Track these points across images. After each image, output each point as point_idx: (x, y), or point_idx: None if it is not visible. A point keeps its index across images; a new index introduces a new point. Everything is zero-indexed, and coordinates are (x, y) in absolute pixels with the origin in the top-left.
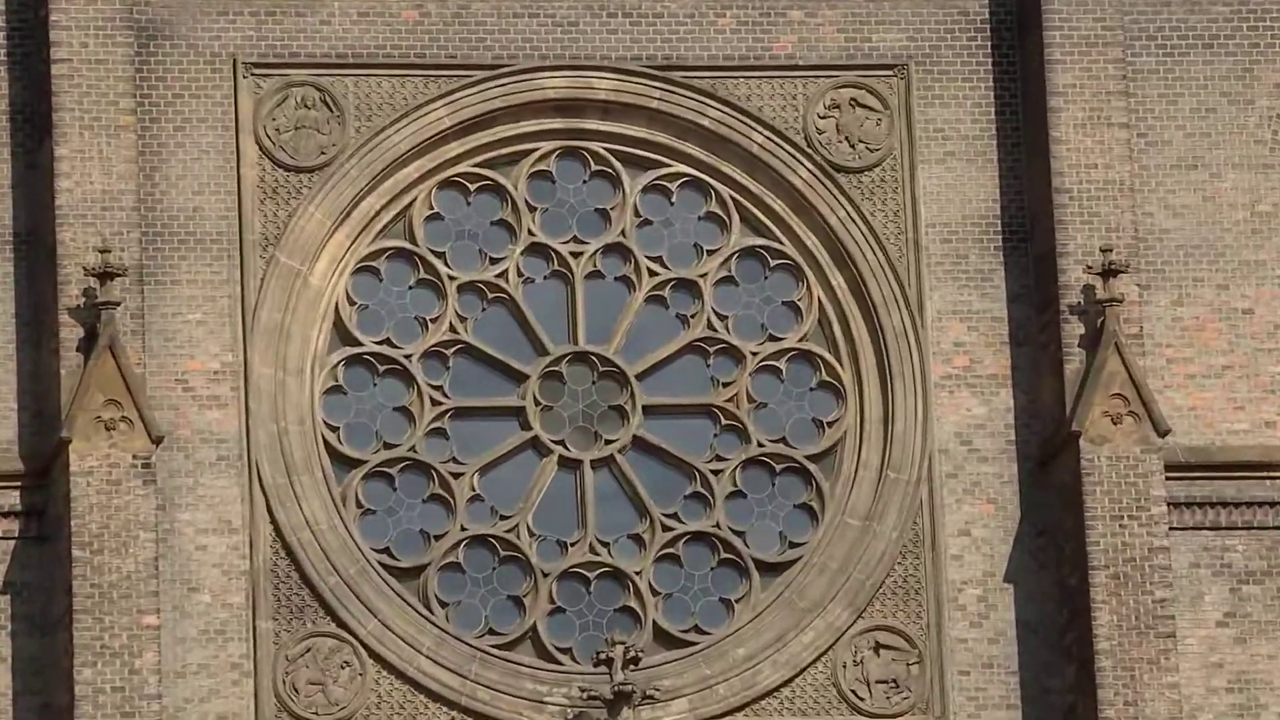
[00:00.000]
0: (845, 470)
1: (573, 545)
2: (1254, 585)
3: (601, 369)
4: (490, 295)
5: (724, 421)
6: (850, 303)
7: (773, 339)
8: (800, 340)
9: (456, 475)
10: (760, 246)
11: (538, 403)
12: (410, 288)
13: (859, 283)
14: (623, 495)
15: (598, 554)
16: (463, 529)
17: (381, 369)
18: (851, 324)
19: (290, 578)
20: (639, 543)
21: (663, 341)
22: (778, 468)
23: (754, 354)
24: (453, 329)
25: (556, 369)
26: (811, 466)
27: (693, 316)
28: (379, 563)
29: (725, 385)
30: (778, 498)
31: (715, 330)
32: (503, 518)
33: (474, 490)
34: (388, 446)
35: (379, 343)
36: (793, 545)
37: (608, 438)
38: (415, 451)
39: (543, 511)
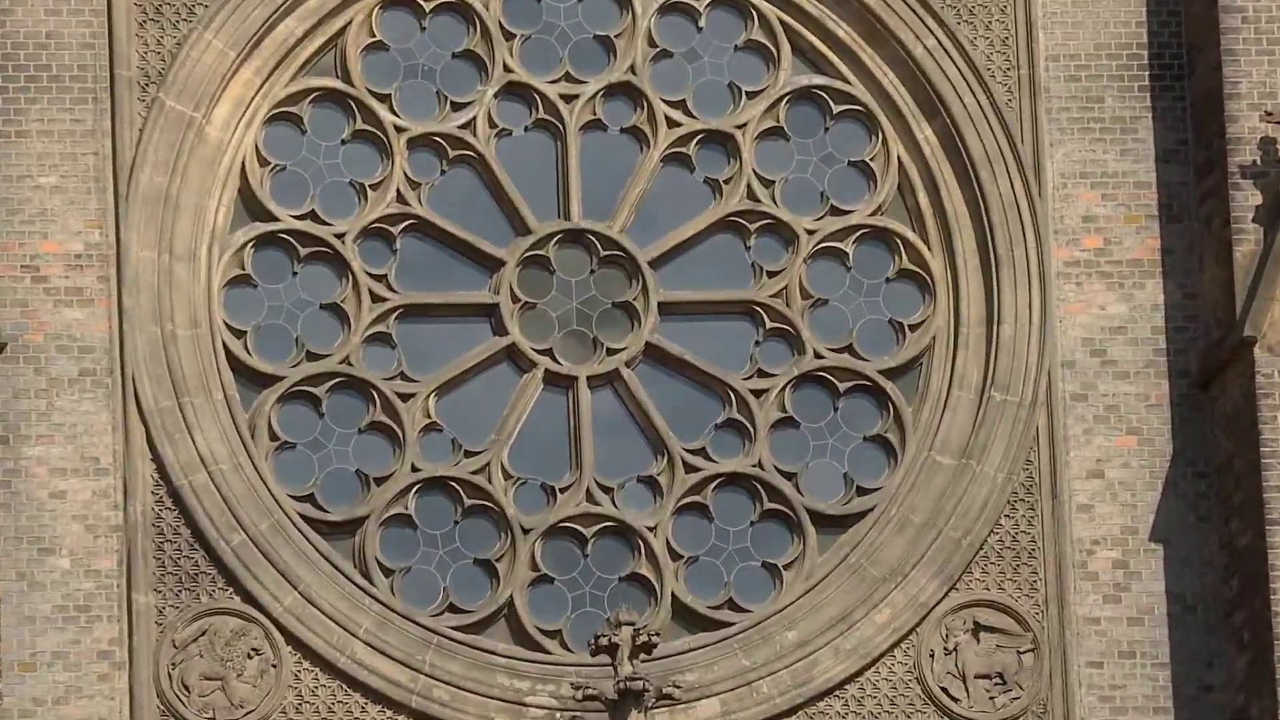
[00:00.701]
0: (934, 390)
1: (563, 492)
2: None
3: (603, 253)
4: (452, 153)
5: (769, 324)
6: (942, 163)
7: (836, 212)
8: (873, 214)
9: (406, 397)
10: (819, 87)
11: (516, 299)
12: (344, 143)
13: (954, 136)
14: (631, 425)
15: (597, 503)
16: (414, 469)
17: (304, 252)
18: (943, 191)
19: (179, 535)
20: (653, 488)
21: (686, 216)
22: (842, 387)
23: (810, 233)
24: (401, 199)
25: (541, 253)
26: (888, 385)
27: (727, 182)
28: (300, 515)
29: (771, 275)
30: (841, 428)
31: (758, 201)
32: (468, 454)
33: (429, 418)
34: (312, 358)
35: (301, 217)
36: (862, 492)
37: (611, 346)
38: (350, 365)
39: (523, 447)
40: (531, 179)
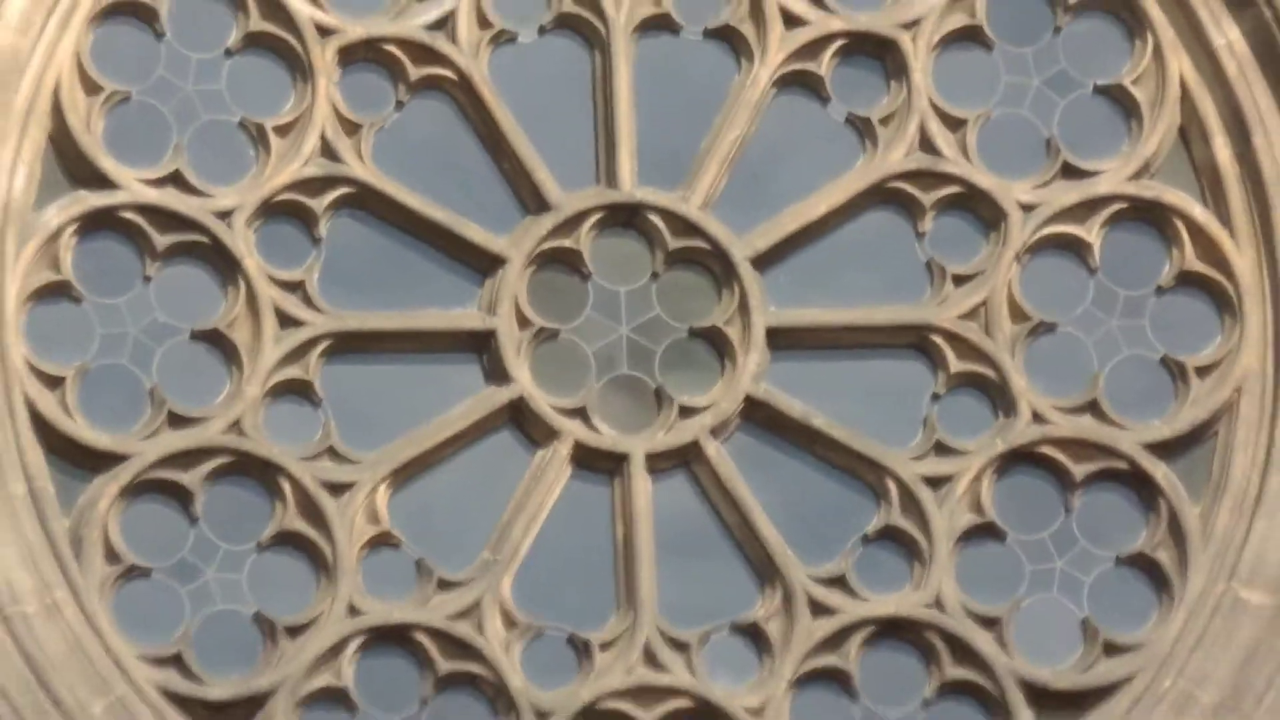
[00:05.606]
0: (1237, 480)
1: (605, 650)
2: None
3: (673, 245)
4: (415, 73)
5: (956, 365)
6: (1254, 85)
7: (1071, 174)
8: (1136, 177)
9: (339, 489)
10: None
11: (525, 323)
12: (229, 54)
13: (1275, 42)
14: (720, 536)
15: (662, 669)
16: (352, 612)
17: (163, 243)
18: (1257, 137)
19: None
20: (757, 644)
21: (815, 182)
22: (1079, 473)
23: (1028, 209)
24: (328, 151)
25: (568, 245)
26: (1159, 471)
27: (885, 123)
28: (160, 689)
29: (960, 282)
30: (1078, 541)
31: (937, 154)
32: (445, 587)
33: (378, 524)
34: (179, 424)
35: (157, 182)
36: (1112, 651)
37: (687, 404)
38: (243, 435)
39: (538, 573)
40: (552, 118)
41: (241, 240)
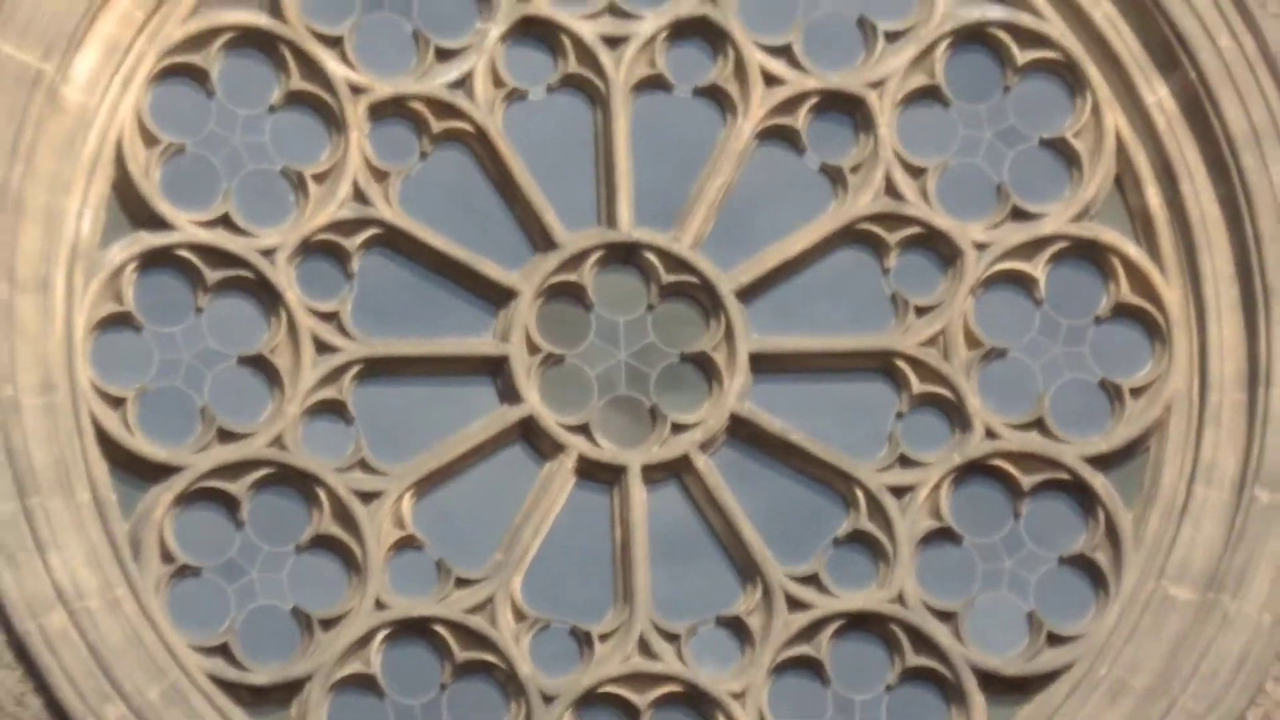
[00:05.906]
0: (1167, 488)
1: (604, 640)
2: None
3: (666, 279)
4: (438, 126)
5: (918, 387)
6: (1182, 140)
7: (1020, 217)
8: (1077, 219)
9: (368, 497)
10: (996, 24)
11: (535, 349)
12: (273, 110)
13: (1202, 98)
14: (707, 539)
15: (655, 657)
16: (379, 607)
17: (214, 278)
18: (1184, 184)
19: (23, 708)
20: (740, 635)
21: (792, 223)
22: (1026, 483)
23: (981, 248)
24: (360, 196)
25: (573, 279)
26: (1097, 480)
27: (855, 171)
28: (209, 675)
29: (921, 313)
30: (1025, 544)
31: (901, 199)
32: (462, 584)
33: (403, 529)
34: (227, 439)
35: (208, 224)
36: (1055, 641)
37: (678, 421)
38: (284, 449)
39: (544, 572)
40: (558, 166)
41: (283, 275)
